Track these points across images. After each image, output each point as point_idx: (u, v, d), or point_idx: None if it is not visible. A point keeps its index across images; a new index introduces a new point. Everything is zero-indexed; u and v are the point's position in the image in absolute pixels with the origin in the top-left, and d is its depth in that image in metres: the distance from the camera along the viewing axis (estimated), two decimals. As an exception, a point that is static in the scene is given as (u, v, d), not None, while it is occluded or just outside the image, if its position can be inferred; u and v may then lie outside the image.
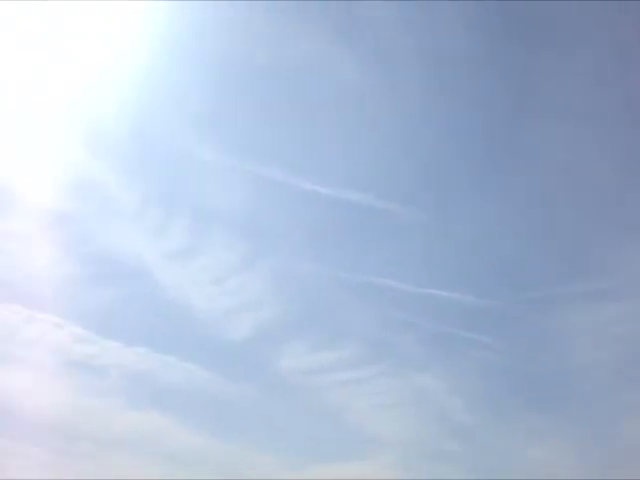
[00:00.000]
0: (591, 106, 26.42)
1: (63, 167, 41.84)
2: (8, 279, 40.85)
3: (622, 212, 27.21)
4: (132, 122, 38.01)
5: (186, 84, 37.93)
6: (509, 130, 27.58)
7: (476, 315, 27.98)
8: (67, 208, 39.38)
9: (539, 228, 27.55)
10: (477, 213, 28.56)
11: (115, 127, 38.06)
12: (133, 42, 37.89)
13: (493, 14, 28.39)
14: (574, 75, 27.95)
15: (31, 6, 38.54)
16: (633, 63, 27.64)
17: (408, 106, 30.22)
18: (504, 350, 28.31)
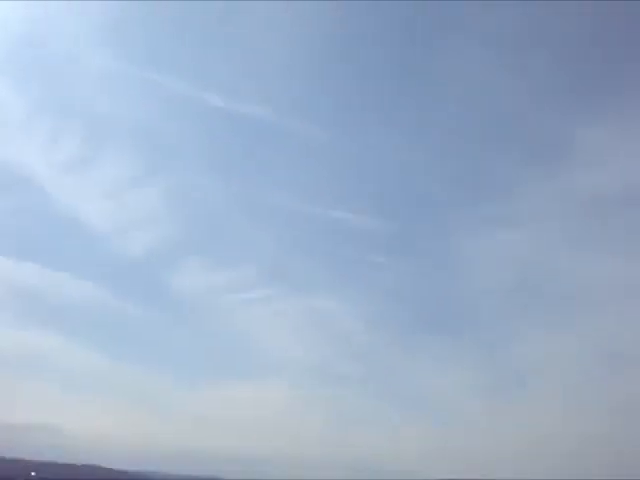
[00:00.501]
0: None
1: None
2: None
3: (524, 142, 27.70)
4: (23, 25, 36.25)
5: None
6: (421, 57, 26.80)
7: (377, 237, 28.07)
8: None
9: (442, 153, 27.46)
10: (382, 136, 27.98)
11: (4, 30, 36.15)
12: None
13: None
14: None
15: None
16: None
17: (320, 27, 28.85)
18: (404, 272, 28.45)
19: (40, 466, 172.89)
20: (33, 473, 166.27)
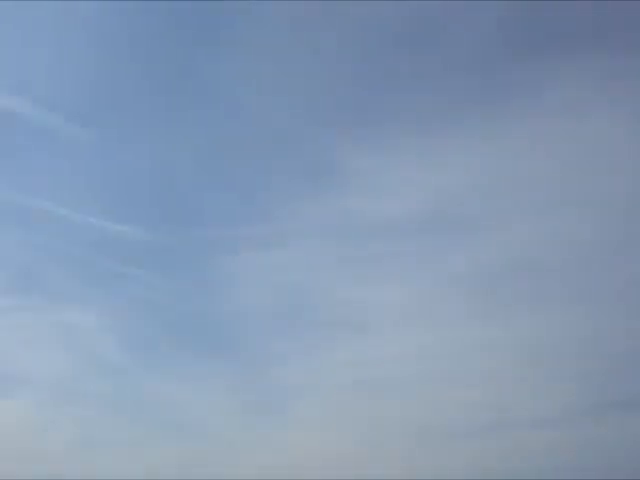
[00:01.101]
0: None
1: None
2: None
3: (297, 161, 27.31)
4: None
5: None
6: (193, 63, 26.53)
7: (138, 249, 27.07)
8: None
9: (214, 167, 26.86)
10: (156, 143, 27.20)
11: None
12: None
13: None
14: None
15: None
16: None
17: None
18: (164, 288, 27.61)
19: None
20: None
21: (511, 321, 23.58)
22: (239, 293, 27.81)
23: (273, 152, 28.38)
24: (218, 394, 27.54)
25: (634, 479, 21.08)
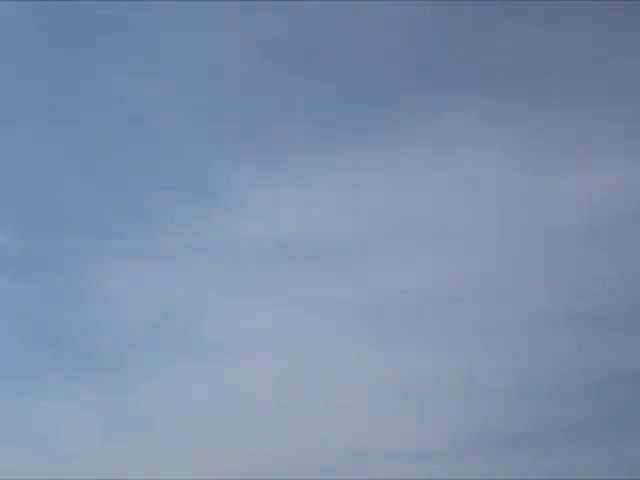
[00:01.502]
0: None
1: None
2: None
3: (183, 176, 27.00)
4: None
5: None
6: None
7: (7, 257, 26.38)
8: None
9: (93, 174, 26.11)
10: (28, 145, 26.49)
11: None
12: None
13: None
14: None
15: None
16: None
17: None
18: (32, 298, 26.74)
19: None
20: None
21: (392, 354, 23.15)
22: (110, 308, 26.80)
23: (159, 166, 27.60)
24: (79, 411, 26.46)
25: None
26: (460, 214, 24.14)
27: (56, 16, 27.27)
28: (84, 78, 27.01)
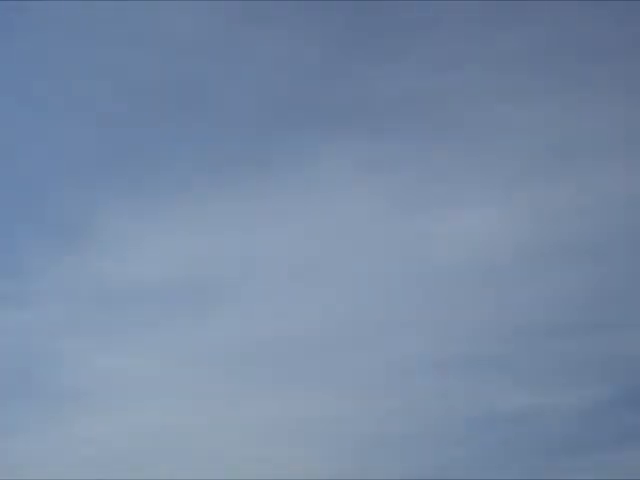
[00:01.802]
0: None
1: None
2: None
3: (52, 217, 26.99)
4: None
5: None
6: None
7: None
8: None
9: None
10: None
11: None
12: None
13: None
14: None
15: None
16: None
17: None
18: None
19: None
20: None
21: (262, 400, 22.68)
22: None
23: (25, 208, 26.54)
24: None
25: None
26: (331, 260, 24.06)
27: None
28: None
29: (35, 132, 25.79)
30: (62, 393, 23.86)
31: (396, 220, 24.15)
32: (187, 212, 24.88)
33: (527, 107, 24.14)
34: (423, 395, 22.43)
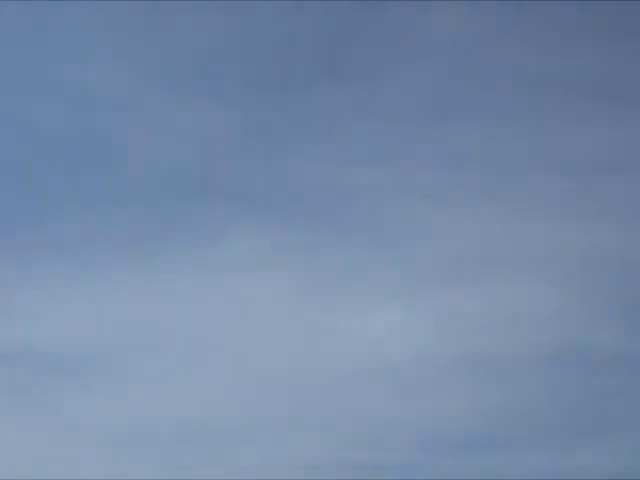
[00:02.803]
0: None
1: None
2: None
3: None
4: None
5: None
6: None
7: None
8: None
9: None
10: None
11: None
12: None
13: None
14: None
15: None
16: None
17: None
18: None
19: None
20: None
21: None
22: None
23: None
24: None
25: None
26: (223, 344, 23.00)
27: None
28: None
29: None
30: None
31: (299, 313, 23.30)
32: (80, 282, 23.57)
33: (447, 212, 23.73)
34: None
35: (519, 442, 21.49)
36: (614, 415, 21.54)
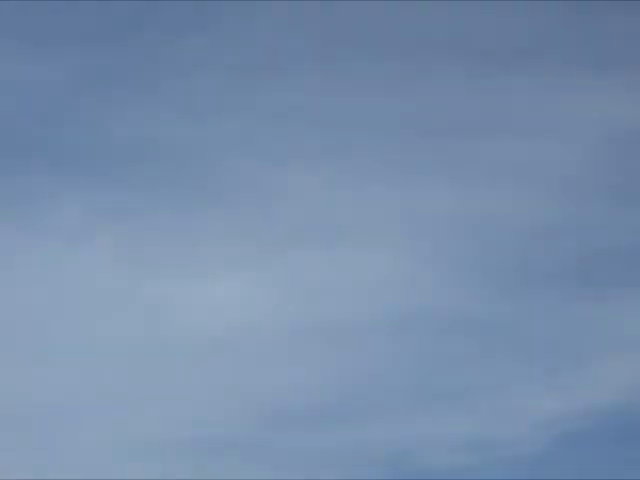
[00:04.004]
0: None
1: None
2: None
3: None
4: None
5: None
6: None
7: None
8: None
9: None
10: None
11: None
12: None
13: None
14: None
15: None
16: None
17: None
18: None
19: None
20: None
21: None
22: None
23: None
24: None
25: None
26: (50, 312, 21.39)
27: None
28: None
29: None
30: None
31: (131, 279, 21.90)
32: None
33: (287, 173, 22.70)
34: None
35: (368, 411, 20.84)
36: (462, 382, 21.16)
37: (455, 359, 21.04)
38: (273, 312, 21.53)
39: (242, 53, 23.02)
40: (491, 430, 20.60)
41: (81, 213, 22.40)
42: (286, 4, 23.09)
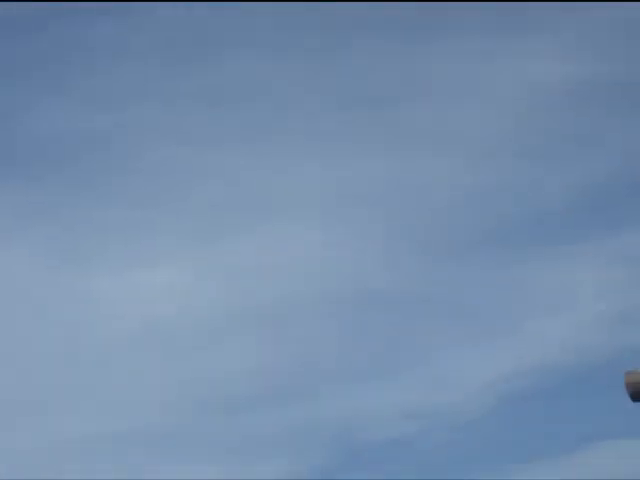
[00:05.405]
0: None
1: None
2: None
3: None
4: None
5: None
6: None
7: None
8: None
9: None
10: None
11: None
12: None
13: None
14: None
15: None
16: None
17: None
18: None
19: None
20: None
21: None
22: None
23: None
24: None
25: None
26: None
27: None
28: None
29: None
30: None
31: (57, 276, 21.49)
32: None
33: (214, 152, 22.35)
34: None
35: (307, 392, 20.91)
36: (397, 353, 21.31)
37: (390, 331, 21.18)
38: (207, 299, 21.41)
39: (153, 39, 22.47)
40: (430, 399, 20.86)
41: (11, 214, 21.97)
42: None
